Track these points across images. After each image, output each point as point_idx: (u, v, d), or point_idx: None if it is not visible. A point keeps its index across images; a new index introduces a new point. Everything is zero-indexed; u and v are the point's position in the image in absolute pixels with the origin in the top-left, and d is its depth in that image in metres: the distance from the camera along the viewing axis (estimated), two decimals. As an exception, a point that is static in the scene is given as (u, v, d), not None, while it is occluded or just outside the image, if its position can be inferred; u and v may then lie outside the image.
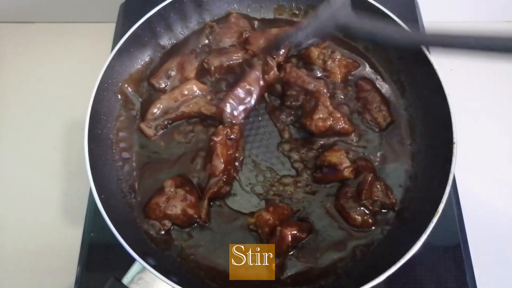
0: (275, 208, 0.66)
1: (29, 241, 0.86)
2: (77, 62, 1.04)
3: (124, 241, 0.58)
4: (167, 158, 0.73)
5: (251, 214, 0.68)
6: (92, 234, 0.72)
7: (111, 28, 0.92)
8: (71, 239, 0.77)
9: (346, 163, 0.67)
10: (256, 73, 0.74)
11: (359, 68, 0.79)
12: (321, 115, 0.70)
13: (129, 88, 0.77)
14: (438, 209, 0.59)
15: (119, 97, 0.76)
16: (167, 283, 0.57)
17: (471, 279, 0.68)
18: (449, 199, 0.66)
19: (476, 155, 0.88)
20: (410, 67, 0.76)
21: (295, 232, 0.64)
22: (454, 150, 0.63)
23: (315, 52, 0.77)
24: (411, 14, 0.91)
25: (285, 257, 0.64)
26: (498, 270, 0.80)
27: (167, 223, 0.67)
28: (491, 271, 0.75)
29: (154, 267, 0.57)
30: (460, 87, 0.97)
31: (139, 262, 0.57)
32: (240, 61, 0.77)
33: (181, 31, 0.84)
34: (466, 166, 0.76)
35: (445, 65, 0.83)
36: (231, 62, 0.78)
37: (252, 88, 0.74)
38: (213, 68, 0.77)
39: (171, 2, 0.78)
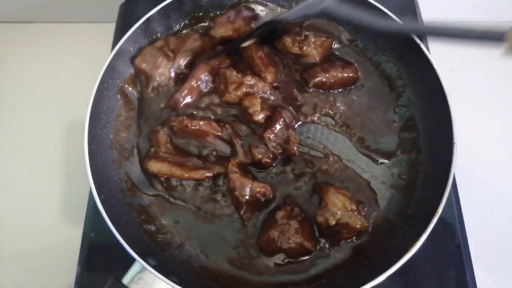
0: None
1: (29, 241, 0.86)
2: (77, 62, 1.04)
3: (124, 241, 0.58)
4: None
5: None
6: (92, 234, 0.72)
7: (111, 28, 0.92)
8: (71, 239, 0.77)
9: (257, 107, 0.70)
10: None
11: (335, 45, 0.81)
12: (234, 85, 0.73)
13: (129, 88, 0.77)
14: (438, 209, 0.59)
15: (119, 97, 0.76)
16: (167, 283, 0.57)
17: (471, 279, 0.68)
18: (449, 199, 0.66)
19: (476, 155, 0.88)
20: (410, 67, 0.76)
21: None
22: (454, 150, 0.63)
23: (289, 41, 0.77)
24: (411, 13, 0.91)
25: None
26: (498, 270, 0.80)
27: (280, 258, 0.65)
28: (491, 271, 0.75)
29: (154, 267, 0.57)
30: (460, 87, 0.97)
31: (139, 262, 0.57)
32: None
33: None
34: (466, 166, 0.76)
35: (445, 65, 0.83)
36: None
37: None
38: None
39: (171, 1, 0.78)
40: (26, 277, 0.84)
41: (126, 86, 0.77)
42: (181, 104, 0.74)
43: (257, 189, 0.66)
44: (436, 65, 0.69)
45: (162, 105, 0.76)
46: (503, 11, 1.09)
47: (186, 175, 0.68)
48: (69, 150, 0.95)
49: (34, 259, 0.85)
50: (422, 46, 0.71)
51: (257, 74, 0.75)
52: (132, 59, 0.77)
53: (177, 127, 0.71)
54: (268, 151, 0.69)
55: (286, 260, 0.65)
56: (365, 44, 0.81)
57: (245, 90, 0.72)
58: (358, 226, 0.63)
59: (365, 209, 0.67)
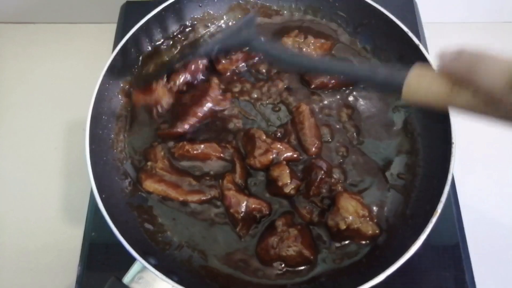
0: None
1: (29, 241, 0.86)
2: (78, 63, 1.05)
3: (124, 241, 0.59)
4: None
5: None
6: (93, 234, 0.73)
7: (112, 28, 0.92)
8: (72, 238, 0.77)
9: (287, 179, 0.66)
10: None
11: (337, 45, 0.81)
12: (260, 152, 0.68)
13: (130, 88, 0.77)
14: (437, 209, 0.59)
15: (120, 97, 0.76)
16: (167, 282, 0.57)
17: (470, 279, 0.68)
18: (448, 199, 0.66)
19: (475, 154, 0.88)
20: (409, 67, 0.76)
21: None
22: (453, 150, 0.63)
23: (288, 42, 0.77)
24: (410, 14, 0.91)
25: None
26: (498, 270, 0.80)
27: (278, 266, 0.64)
28: (491, 270, 0.75)
29: (154, 266, 0.57)
30: (459, 88, 0.97)
31: (140, 262, 0.58)
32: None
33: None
34: (465, 166, 0.77)
35: (444, 66, 0.82)
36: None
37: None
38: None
39: (172, 2, 0.78)
40: (26, 277, 0.84)
41: (127, 86, 0.77)
42: (184, 132, 0.72)
43: (253, 206, 0.65)
44: (435, 65, 0.69)
45: (162, 127, 0.74)
46: (502, 11, 1.09)
47: (181, 198, 0.68)
48: (70, 150, 0.95)
49: (34, 259, 0.85)
50: (421, 46, 0.71)
51: (298, 138, 0.72)
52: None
53: (178, 152, 0.70)
54: (317, 208, 0.67)
55: (284, 269, 0.65)
56: (364, 45, 0.81)
57: (271, 157, 0.68)
58: (369, 232, 0.63)
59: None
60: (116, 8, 0.96)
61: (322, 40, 0.79)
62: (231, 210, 0.65)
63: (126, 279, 0.59)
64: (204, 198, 0.68)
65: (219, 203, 0.68)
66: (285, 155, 0.69)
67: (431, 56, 0.70)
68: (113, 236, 0.59)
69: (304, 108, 0.73)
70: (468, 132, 0.72)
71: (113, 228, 0.60)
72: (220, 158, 0.70)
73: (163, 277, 0.57)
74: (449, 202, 0.72)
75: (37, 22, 1.13)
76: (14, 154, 0.96)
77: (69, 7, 1.09)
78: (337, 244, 0.66)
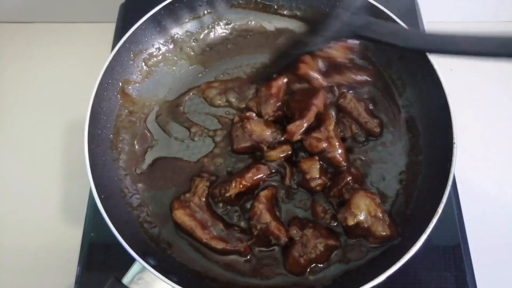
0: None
1: (29, 241, 0.86)
2: (77, 62, 1.04)
3: (124, 241, 0.58)
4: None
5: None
6: (92, 234, 0.72)
7: (111, 28, 0.92)
8: (71, 239, 0.77)
9: (315, 174, 0.66)
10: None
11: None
12: (318, 135, 0.67)
13: (129, 87, 0.77)
14: (438, 209, 0.59)
15: (119, 97, 0.76)
16: (167, 283, 0.57)
17: (471, 279, 0.68)
18: (449, 199, 0.66)
19: (476, 155, 0.88)
20: (410, 67, 0.76)
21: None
22: (454, 150, 0.63)
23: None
24: (411, 14, 0.91)
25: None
26: (498, 270, 0.80)
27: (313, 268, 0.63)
28: (491, 271, 0.75)
29: (154, 267, 0.57)
30: (460, 87, 0.97)
31: (139, 262, 0.57)
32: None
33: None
34: (466, 166, 0.76)
35: (445, 65, 0.82)
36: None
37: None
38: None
39: (171, 1, 0.78)
40: (26, 277, 0.84)
41: (126, 86, 0.77)
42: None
43: (271, 229, 0.64)
44: (436, 65, 0.69)
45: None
46: (502, 11, 1.09)
47: (205, 240, 0.65)
48: (69, 150, 0.95)
49: (34, 259, 0.85)
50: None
51: (359, 124, 0.71)
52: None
53: (232, 191, 0.66)
54: (332, 210, 0.67)
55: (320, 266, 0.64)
56: (365, 45, 0.81)
57: (323, 145, 0.66)
58: (383, 234, 0.62)
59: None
60: (115, 8, 0.96)
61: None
62: (252, 222, 0.65)
63: (125, 280, 0.59)
64: (228, 248, 0.65)
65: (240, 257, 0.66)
66: (331, 154, 0.66)
67: (432, 56, 0.70)
68: (112, 237, 0.59)
69: (350, 96, 0.73)
70: (470, 133, 0.73)
71: (112, 229, 0.59)
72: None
73: (163, 277, 0.57)
74: (450, 202, 0.72)
75: (36, 22, 1.13)
76: (13, 153, 0.96)
77: (68, 6, 1.09)
78: (351, 241, 0.66)
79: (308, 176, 0.66)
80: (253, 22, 0.86)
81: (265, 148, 0.69)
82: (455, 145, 0.63)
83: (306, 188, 0.68)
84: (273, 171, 0.69)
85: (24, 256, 0.85)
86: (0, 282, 0.84)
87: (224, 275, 0.65)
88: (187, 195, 0.68)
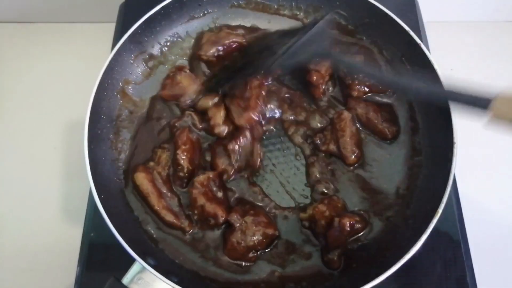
0: (330, 201, 0.66)
1: (29, 241, 0.86)
2: (77, 62, 1.04)
3: (123, 241, 0.58)
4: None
5: (303, 209, 0.68)
6: (92, 234, 0.72)
7: (111, 28, 0.92)
8: (71, 239, 0.77)
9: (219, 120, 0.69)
10: None
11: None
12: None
13: (129, 87, 0.77)
14: (438, 209, 0.59)
15: (119, 97, 0.76)
16: (167, 283, 0.57)
17: (471, 279, 0.68)
18: (449, 199, 0.66)
19: (477, 155, 0.88)
20: (410, 66, 0.76)
21: (353, 222, 0.64)
22: (455, 150, 0.63)
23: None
24: (412, 13, 0.91)
25: (343, 249, 0.64)
26: (498, 270, 0.80)
27: (251, 255, 0.65)
28: (491, 271, 0.75)
29: (154, 267, 0.57)
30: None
31: (139, 262, 0.57)
32: (235, 45, 0.78)
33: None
34: (466, 166, 0.76)
35: (445, 65, 0.83)
36: (226, 47, 0.77)
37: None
38: (214, 58, 0.77)
39: (171, 1, 0.78)
40: (26, 277, 0.84)
41: (126, 86, 0.77)
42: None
43: (207, 210, 0.65)
44: (436, 65, 0.69)
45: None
46: (503, 11, 1.09)
47: (156, 208, 0.67)
48: (69, 150, 0.95)
49: (34, 259, 0.84)
50: (422, 46, 0.71)
51: (337, 146, 0.70)
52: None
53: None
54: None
55: (259, 253, 0.66)
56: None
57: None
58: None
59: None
60: (115, 8, 0.96)
61: None
62: (190, 208, 0.67)
63: (125, 280, 0.59)
64: (175, 222, 0.67)
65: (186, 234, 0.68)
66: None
67: (432, 55, 0.70)
68: (112, 237, 0.59)
69: (346, 115, 0.72)
70: (470, 133, 0.72)
71: (112, 229, 0.59)
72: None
73: (163, 278, 0.57)
74: (450, 202, 0.72)
75: (36, 22, 1.13)
76: (13, 153, 0.96)
77: (68, 6, 1.09)
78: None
79: (212, 123, 0.70)
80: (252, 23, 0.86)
81: (182, 104, 0.74)
82: (455, 145, 0.63)
83: (211, 134, 0.71)
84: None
85: (24, 256, 0.85)
86: (0, 282, 0.83)
87: (223, 275, 0.65)
88: (151, 163, 0.70)
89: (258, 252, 0.66)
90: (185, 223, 0.67)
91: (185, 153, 0.69)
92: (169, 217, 0.67)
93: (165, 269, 0.58)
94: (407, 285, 0.68)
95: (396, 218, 0.67)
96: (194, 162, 0.70)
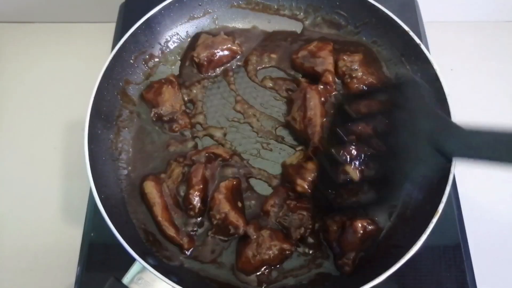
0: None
1: (29, 241, 0.86)
2: (77, 62, 1.04)
3: (124, 241, 0.58)
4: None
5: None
6: (92, 234, 0.72)
7: (111, 28, 0.92)
8: (71, 239, 0.77)
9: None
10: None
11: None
12: None
13: (129, 88, 0.77)
14: (438, 209, 0.59)
15: (119, 97, 0.76)
16: (167, 283, 0.57)
17: (471, 279, 0.68)
18: (449, 199, 0.66)
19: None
20: (410, 66, 0.76)
21: (366, 224, 0.62)
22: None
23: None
24: (411, 13, 0.91)
25: (357, 253, 0.63)
26: (498, 270, 0.80)
27: (265, 270, 0.64)
28: (491, 271, 0.75)
29: (154, 267, 0.57)
30: (460, 87, 0.97)
31: (139, 262, 0.57)
32: (228, 53, 0.79)
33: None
34: (466, 166, 0.76)
35: (445, 65, 0.83)
36: (221, 53, 0.78)
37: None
38: (205, 62, 0.78)
39: (171, 1, 0.78)
40: (26, 277, 0.84)
41: (126, 86, 0.77)
42: None
43: (230, 219, 0.64)
44: (436, 65, 0.69)
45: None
46: (503, 11, 1.09)
47: (159, 219, 0.66)
48: (69, 150, 0.95)
49: (34, 259, 0.84)
50: (422, 46, 0.71)
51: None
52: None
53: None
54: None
55: (272, 268, 0.65)
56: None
57: None
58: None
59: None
60: (115, 8, 0.96)
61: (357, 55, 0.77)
62: (211, 212, 0.66)
63: (125, 280, 0.59)
64: (175, 237, 0.65)
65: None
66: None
67: (432, 55, 0.70)
68: (112, 237, 0.59)
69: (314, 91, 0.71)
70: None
71: (112, 229, 0.59)
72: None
73: (163, 277, 0.57)
74: (450, 202, 0.72)
75: (36, 22, 1.13)
76: (13, 153, 0.96)
77: (68, 6, 1.09)
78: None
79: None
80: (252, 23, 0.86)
81: (153, 113, 0.74)
82: (455, 145, 0.63)
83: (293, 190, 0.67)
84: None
85: (24, 256, 0.85)
86: (0, 282, 0.83)
87: (223, 275, 0.65)
88: (163, 175, 0.70)
89: (272, 267, 0.65)
90: (184, 240, 0.65)
91: (197, 193, 0.67)
92: (170, 231, 0.66)
93: (165, 268, 0.58)
94: (407, 285, 0.68)
95: (396, 218, 0.67)
96: (206, 201, 0.68)
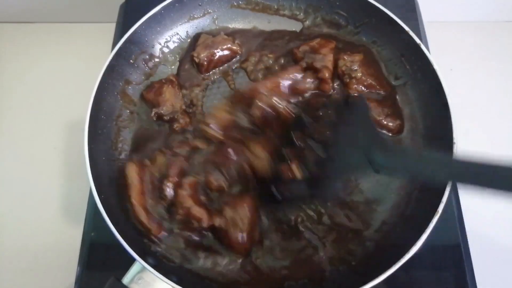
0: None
1: (29, 241, 0.86)
2: (77, 62, 1.05)
3: (124, 241, 0.58)
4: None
5: None
6: (92, 234, 0.72)
7: (111, 28, 0.92)
8: (71, 238, 0.77)
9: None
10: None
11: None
12: None
13: (129, 88, 0.77)
14: (438, 209, 0.59)
15: (119, 97, 0.76)
16: (167, 283, 0.57)
17: (471, 279, 0.68)
18: (449, 199, 0.66)
19: (476, 154, 0.88)
20: (410, 66, 0.76)
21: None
22: (454, 150, 0.63)
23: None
24: (411, 13, 0.91)
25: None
26: (498, 270, 0.80)
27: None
28: (491, 271, 0.75)
29: (154, 267, 0.57)
30: (460, 87, 0.98)
31: (139, 262, 0.57)
32: (228, 52, 0.79)
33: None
34: None
35: (445, 65, 0.83)
36: (221, 53, 0.78)
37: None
38: (204, 62, 0.78)
39: (171, 1, 0.78)
40: (26, 277, 0.84)
41: (126, 86, 0.77)
42: None
43: (193, 213, 0.64)
44: (436, 65, 0.69)
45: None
46: (503, 11, 1.09)
47: (132, 200, 0.66)
48: (69, 150, 0.95)
49: (34, 259, 0.85)
50: (422, 46, 0.71)
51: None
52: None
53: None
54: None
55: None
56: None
57: None
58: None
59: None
60: (115, 8, 0.96)
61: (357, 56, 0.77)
62: (175, 208, 0.66)
63: (125, 280, 0.59)
64: (144, 222, 0.65)
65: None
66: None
67: (432, 55, 0.70)
68: (112, 237, 0.59)
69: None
70: (470, 132, 0.72)
71: (112, 229, 0.59)
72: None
73: (163, 277, 0.57)
74: (450, 202, 0.72)
75: (36, 22, 1.13)
76: (13, 154, 0.96)
77: (68, 6, 1.09)
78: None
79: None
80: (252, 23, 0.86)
81: (154, 113, 0.74)
82: (455, 145, 0.63)
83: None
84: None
85: (24, 255, 0.85)
86: (0, 282, 0.84)
87: (224, 275, 0.65)
88: (147, 160, 0.70)
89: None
90: (153, 226, 0.65)
91: (171, 185, 0.66)
92: (141, 215, 0.65)
93: (165, 268, 0.58)
94: (407, 285, 0.68)
95: (396, 218, 0.67)
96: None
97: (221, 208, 0.65)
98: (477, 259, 0.70)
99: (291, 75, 0.74)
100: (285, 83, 0.73)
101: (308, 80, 0.74)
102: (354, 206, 0.68)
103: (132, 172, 0.68)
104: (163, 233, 0.66)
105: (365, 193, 0.69)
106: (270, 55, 0.81)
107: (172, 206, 0.67)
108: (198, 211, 0.65)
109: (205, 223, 0.64)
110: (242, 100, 0.70)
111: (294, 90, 0.74)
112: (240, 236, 0.63)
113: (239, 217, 0.64)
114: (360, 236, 0.67)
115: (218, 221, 0.64)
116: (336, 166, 0.59)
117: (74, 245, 0.72)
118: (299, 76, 0.74)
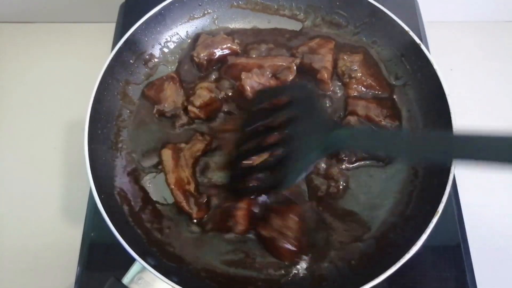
0: None
1: (29, 241, 0.86)
2: (77, 62, 1.04)
3: (124, 241, 0.58)
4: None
5: None
6: (92, 234, 0.72)
7: (111, 28, 0.92)
8: (71, 238, 0.77)
9: None
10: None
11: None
12: None
13: (129, 88, 0.77)
14: (438, 209, 0.59)
15: (119, 97, 0.76)
16: (167, 283, 0.57)
17: (471, 279, 0.68)
18: (449, 199, 0.66)
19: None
20: (410, 67, 0.76)
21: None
22: (454, 150, 0.63)
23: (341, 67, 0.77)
24: (411, 13, 0.91)
25: None
26: (498, 270, 0.80)
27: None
28: (491, 271, 0.75)
29: (154, 267, 0.57)
30: (460, 87, 0.98)
31: (139, 262, 0.57)
32: (228, 52, 0.79)
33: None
34: (466, 166, 0.76)
35: (445, 65, 0.83)
36: (221, 53, 0.78)
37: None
38: (204, 62, 0.78)
39: (171, 1, 0.78)
40: (26, 277, 0.84)
41: (127, 86, 0.77)
42: None
43: (237, 214, 0.64)
44: (436, 65, 0.69)
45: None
46: (503, 11, 1.09)
47: (171, 186, 0.68)
48: (69, 150, 0.95)
49: (34, 259, 0.84)
50: (422, 46, 0.71)
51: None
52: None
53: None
54: None
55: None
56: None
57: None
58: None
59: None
60: (115, 8, 0.96)
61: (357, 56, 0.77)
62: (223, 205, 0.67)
63: (125, 280, 0.59)
64: (183, 205, 0.67)
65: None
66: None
67: (432, 55, 0.70)
68: (112, 237, 0.59)
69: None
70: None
71: (112, 229, 0.59)
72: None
73: (163, 277, 0.57)
74: (450, 202, 0.72)
75: (36, 22, 1.13)
76: (13, 154, 0.96)
77: (68, 6, 1.09)
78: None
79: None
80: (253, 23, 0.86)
81: (156, 110, 0.74)
82: (455, 145, 0.63)
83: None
84: None
85: (24, 255, 0.85)
86: (0, 282, 0.83)
87: (224, 273, 0.65)
88: (183, 145, 0.71)
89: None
90: (194, 209, 0.67)
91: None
92: (179, 198, 0.67)
93: (165, 269, 0.58)
94: (407, 285, 0.68)
95: (396, 218, 0.67)
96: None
97: (267, 217, 0.65)
98: (477, 259, 0.70)
99: (277, 63, 0.75)
100: (268, 68, 0.74)
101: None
102: (352, 219, 0.68)
103: (168, 157, 0.70)
104: (205, 216, 0.67)
105: (363, 200, 0.69)
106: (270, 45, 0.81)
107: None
108: (243, 216, 0.64)
109: (238, 230, 0.65)
110: (227, 72, 0.76)
111: (275, 77, 0.75)
112: (289, 245, 0.63)
113: (287, 225, 0.63)
114: (360, 236, 0.66)
115: (264, 231, 0.64)
116: (295, 149, 0.59)
117: (74, 245, 0.72)
118: (284, 66, 0.74)
